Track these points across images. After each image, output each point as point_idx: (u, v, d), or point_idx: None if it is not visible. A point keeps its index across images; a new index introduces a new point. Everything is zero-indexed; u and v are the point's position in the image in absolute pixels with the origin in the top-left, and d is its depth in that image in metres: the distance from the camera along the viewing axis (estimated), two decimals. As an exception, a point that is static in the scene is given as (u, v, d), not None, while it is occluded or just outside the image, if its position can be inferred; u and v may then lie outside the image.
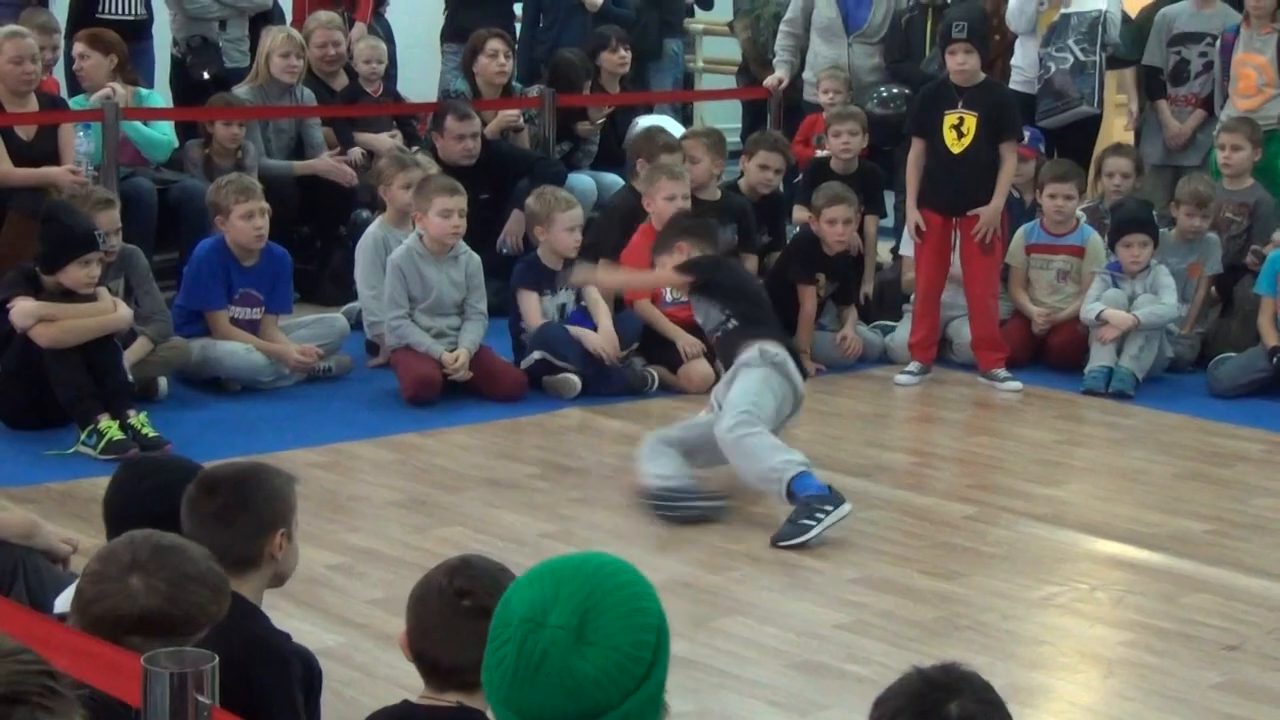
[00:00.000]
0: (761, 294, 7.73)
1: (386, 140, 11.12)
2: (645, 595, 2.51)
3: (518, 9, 12.94)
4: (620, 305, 9.20)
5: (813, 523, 6.63)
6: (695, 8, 14.07)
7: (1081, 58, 10.62)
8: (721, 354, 7.47)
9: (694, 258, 7.46)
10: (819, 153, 10.99)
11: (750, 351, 7.13)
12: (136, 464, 4.77)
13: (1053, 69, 10.71)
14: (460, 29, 12.23)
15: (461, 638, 3.36)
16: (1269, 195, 10.00)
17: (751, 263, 9.68)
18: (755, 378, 7.08)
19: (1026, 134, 10.20)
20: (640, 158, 9.98)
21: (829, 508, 6.66)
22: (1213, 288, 9.80)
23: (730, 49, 13.93)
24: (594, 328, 8.92)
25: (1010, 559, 6.59)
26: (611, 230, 9.57)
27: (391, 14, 12.88)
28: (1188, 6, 11.01)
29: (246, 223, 8.73)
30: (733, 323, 7.30)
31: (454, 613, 3.41)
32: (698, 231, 7.77)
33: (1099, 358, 9.22)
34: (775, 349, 7.15)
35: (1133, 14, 11.21)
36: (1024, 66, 10.96)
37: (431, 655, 3.45)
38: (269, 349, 8.80)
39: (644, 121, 11.67)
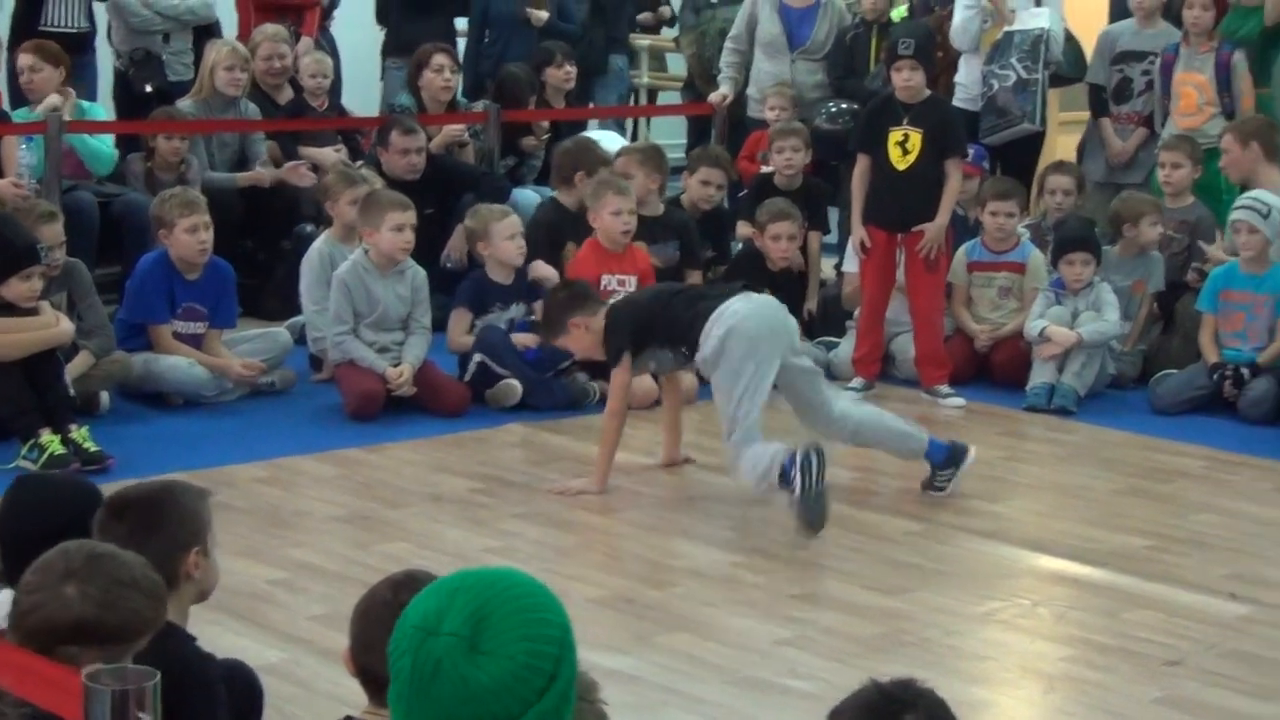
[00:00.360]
0: (661, 299, 7.64)
1: (331, 154, 11.11)
2: (545, 607, 2.50)
3: (460, 24, 12.93)
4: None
5: (944, 482, 7.51)
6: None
7: (1024, 75, 10.68)
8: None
9: (608, 351, 7.56)
10: (763, 169, 11.01)
11: (704, 351, 7.21)
12: (28, 482, 4.72)
13: (995, 86, 10.77)
14: (403, 43, 12.24)
15: None
16: (1210, 213, 10.06)
17: (696, 278, 9.69)
18: (722, 375, 7.21)
19: (971, 151, 10.25)
20: (580, 170, 9.94)
21: (951, 469, 7.49)
22: (1154, 305, 9.86)
23: (676, 65, 13.96)
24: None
25: (953, 574, 6.61)
26: (538, 245, 9.54)
27: (336, 28, 12.86)
28: (1131, 25, 11.08)
29: (190, 236, 8.70)
30: (682, 349, 7.35)
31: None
32: (578, 300, 7.70)
33: (1041, 374, 9.26)
34: (716, 328, 7.21)
35: (1075, 32, 11.25)
36: (967, 84, 11.01)
37: (375, 670, 3.44)
38: (212, 363, 8.77)
39: (590, 137, 11.69)
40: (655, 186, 9.99)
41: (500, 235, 9.04)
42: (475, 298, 9.04)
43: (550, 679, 2.44)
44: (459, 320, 9.04)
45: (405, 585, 3.46)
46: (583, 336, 7.60)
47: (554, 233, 9.66)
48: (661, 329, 7.45)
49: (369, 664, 3.44)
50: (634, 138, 13.31)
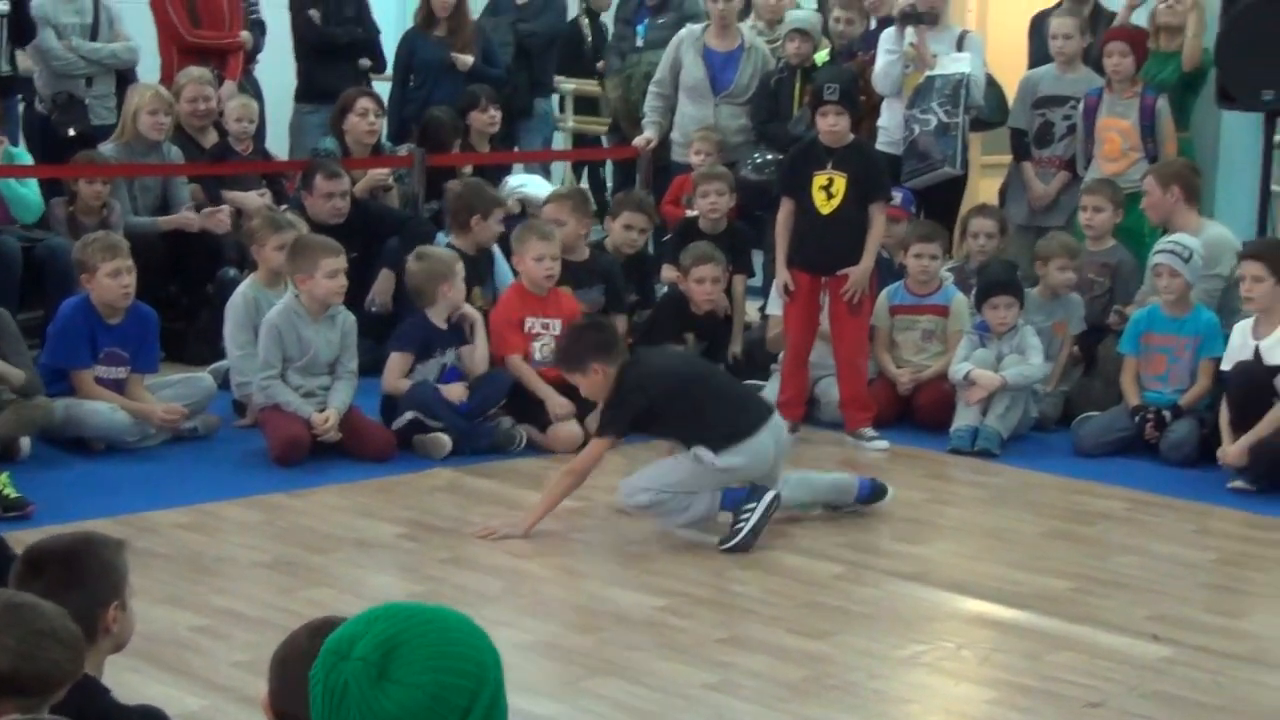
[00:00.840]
0: (690, 385, 7.60)
1: (255, 199, 11.08)
2: (465, 643, 2.49)
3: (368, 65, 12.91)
4: (490, 362, 9.19)
5: (742, 524, 7.30)
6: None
7: (945, 119, 10.74)
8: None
9: (607, 417, 7.52)
10: (688, 213, 11.04)
11: (707, 457, 7.42)
12: None
13: (917, 130, 10.83)
14: (315, 88, 12.24)
15: None
16: (1131, 256, 10.15)
17: (621, 323, 9.70)
18: (697, 474, 7.44)
19: (898, 195, 10.32)
20: (475, 214, 9.90)
21: (752, 504, 7.33)
22: (1075, 346, 9.92)
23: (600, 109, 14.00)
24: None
25: (877, 618, 6.63)
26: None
27: (260, 72, 12.84)
28: (1052, 70, 11.17)
29: (113, 281, 8.66)
30: (683, 439, 7.53)
31: None
32: (606, 345, 7.57)
33: (965, 417, 9.30)
34: (736, 456, 7.40)
35: (996, 77, 11.34)
36: (890, 128, 11.07)
37: (294, 716, 3.41)
38: (134, 408, 8.72)
39: (513, 181, 11.71)
40: (584, 232, 10.01)
41: (461, 277, 9.03)
42: (418, 341, 9.00)
43: (463, 714, 2.43)
44: (400, 363, 8.98)
45: (323, 631, 3.43)
46: (598, 382, 7.53)
47: None
48: (676, 420, 7.48)
49: (288, 710, 3.41)
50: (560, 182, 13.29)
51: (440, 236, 10.59)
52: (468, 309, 9.19)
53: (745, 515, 7.34)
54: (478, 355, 9.05)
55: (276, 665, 3.48)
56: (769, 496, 7.36)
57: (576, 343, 7.69)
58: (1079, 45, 11.03)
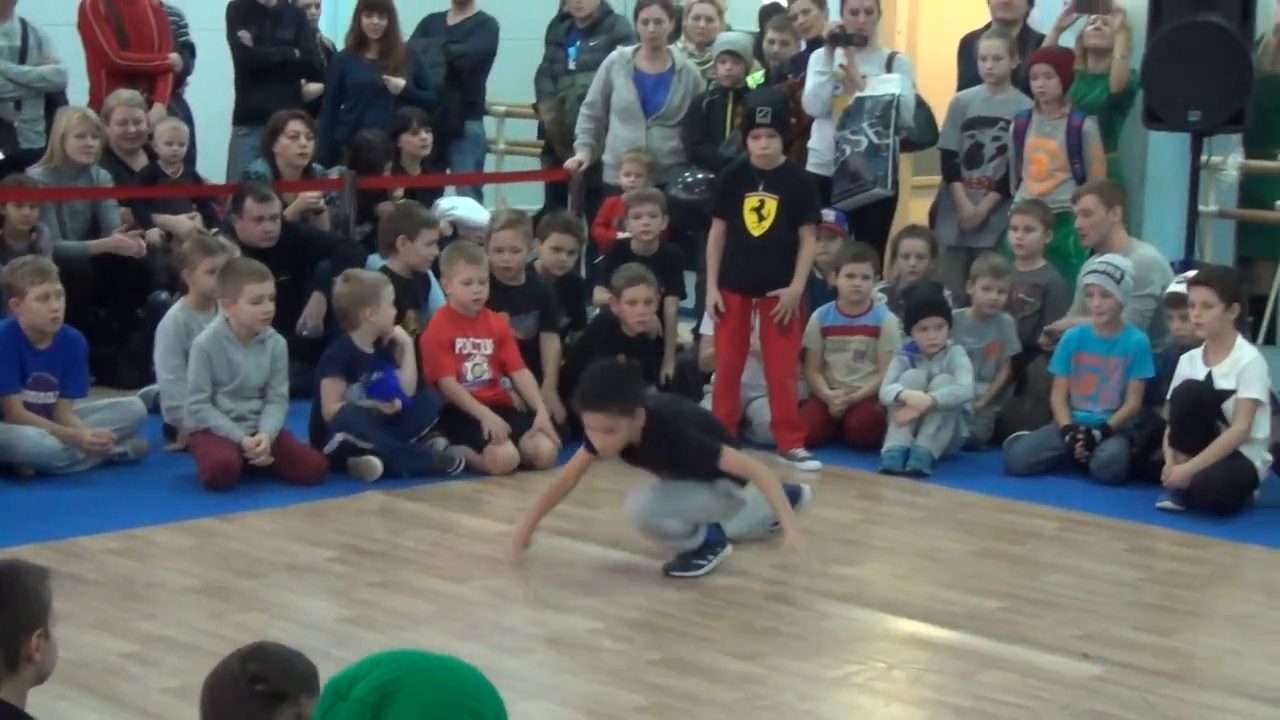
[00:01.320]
0: (707, 421, 7.74)
1: (186, 222, 11.04)
2: (465, 693, 2.50)
3: (314, 88, 12.87)
4: (421, 383, 9.16)
5: (704, 562, 7.34)
6: None
7: (875, 140, 10.79)
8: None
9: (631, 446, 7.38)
10: (619, 234, 11.05)
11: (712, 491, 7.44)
12: None
13: (848, 152, 10.86)
14: (252, 110, 12.21)
15: None
16: (1060, 276, 10.20)
17: (554, 344, 9.70)
18: (700, 504, 7.43)
19: (832, 214, 10.35)
20: (400, 235, 9.88)
21: (719, 549, 7.39)
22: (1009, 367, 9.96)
23: (533, 130, 13.98)
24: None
25: (809, 639, 6.64)
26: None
27: (190, 95, 12.80)
28: (981, 91, 11.23)
29: (42, 305, 8.62)
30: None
31: (247, 698, 3.36)
32: (633, 390, 7.34)
33: (896, 437, 9.33)
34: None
35: (926, 98, 11.40)
36: (820, 149, 11.09)
37: None
38: (63, 433, 8.67)
39: (444, 204, 11.69)
40: (526, 258, 9.98)
41: (388, 300, 9.00)
42: (344, 365, 8.97)
43: None
44: (332, 389, 8.94)
45: (253, 656, 3.43)
46: (636, 427, 7.26)
47: None
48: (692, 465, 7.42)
49: None
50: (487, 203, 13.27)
51: (374, 259, 10.58)
52: (397, 332, 9.16)
53: (710, 556, 7.37)
54: (405, 379, 9.03)
55: (206, 691, 3.47)
56: (728, 549, 7.44)
57: (628, 383, 7.39)
58: (1008, 66, 11.09)
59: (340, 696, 2.45)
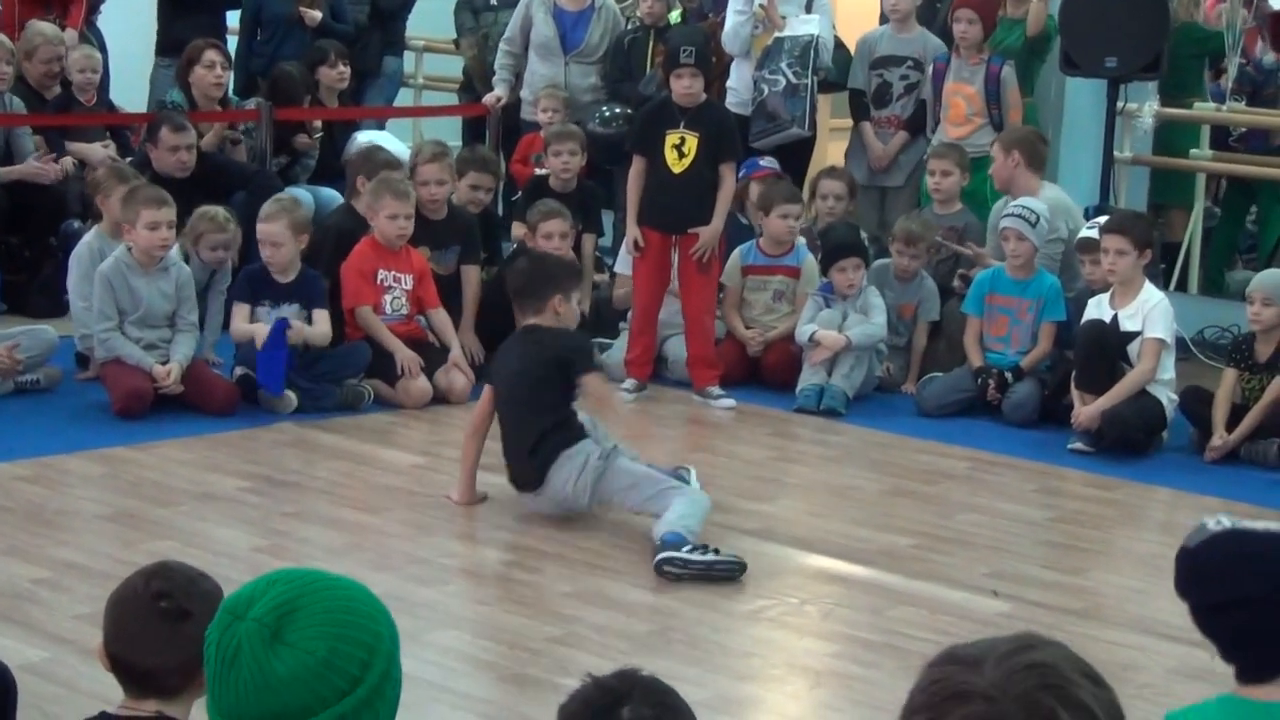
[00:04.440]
0: None
1: (100, 150, 10.95)
2: (363, 613, 2.50)
3: (232, 21, 12.78)
4: (341, 338, 9.09)
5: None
6: None
7: (794, 80, 10.80)
8: None
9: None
10: (538, 171, 11.03)
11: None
12: None
13: (766, 91, 10.87)
14: (174, 41, 12.08)
15: (158, 640, 3.31)
16: (977, 220, 10.25)
17: (474, 277, 9.67)
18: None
19: (765, 161, 10.35)
20: (360, 176, 9.87)
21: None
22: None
23: (452, 66, 13.91)
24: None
25: (722, 573, 6.67)
26: (325, 248, 9.45)
27: (104, 24, 12.66)
28: (887, 31, 11.28)
29: (-49, 232, 8.54)
30: None
31: (150, 615, 3.35)
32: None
33: (810, 376, 9.37)
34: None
35: (845, 39, 11.41)
36: (739, 88, 11.10)
37: (127, 660, 3.39)
38: (-28, 354, 8.60)
39: (362, 137, 11.62)
40: (450, 191, 9.93)
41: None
42: (247, 291, 8.93)
43: (354, 683, 2.44)
44: (237, 312, 8.92)
45: (157, 575, 3.42)
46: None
47: (344, 238, 9.48)
48: None
49: (121, 653, 3.39)
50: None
51: (299, 191, 10.49)
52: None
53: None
54: (317, 331, 8.96)
55: (110, 609, 3.46)
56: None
57: (540, 278, 7.45)
58: (912, 4, 11.13)
59: (238, 616, 2.44)
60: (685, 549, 6.55)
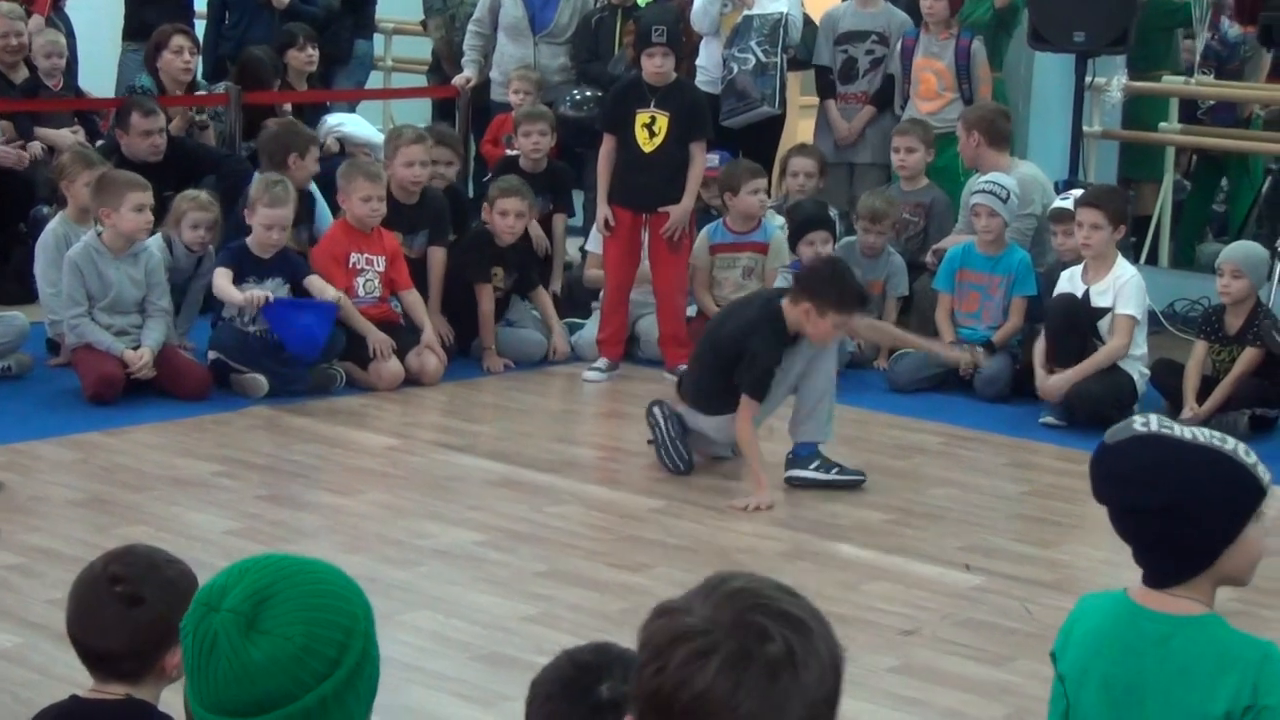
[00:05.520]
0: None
1: (68, 136, 10.91)
2: (337, 595, 2.49)
3: (200, 4, 12.74)
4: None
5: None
6: None
7: (763, 59, 10.79)
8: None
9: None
10: (508, 152, 11.01)
11: None
12: None
13: (735, 70, 10.86)
14: (142, 26, 12.04)
15: (112, 624, 3.30)
16: (944, 195, 10.26)
17: (439, 257, 9.64)
18: None
19: (715, 156, 10.33)
20: (292, 152, 9.70)
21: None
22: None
23: (421, 48, 13.89)
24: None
25: (695, 550, 6.68)
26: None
27: (72, 9, 12.61)
28: (851, 6, 11.29)
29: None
30: None
31: (105, 598, 3.34)
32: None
33: (782, 354, 9.36)
34: None
35: (814, 17, 11.41)
36: (708, 67, 11.10)
37: (84, 642, 3.39)
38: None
39: (331, 120, 11.60)
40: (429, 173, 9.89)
41: (262, 220, 8.90)
42: (233, 263, 8.88)
43: (333, 665, 2.44)
44: (221, 275, 8.85)
45: (117, 559, 3.41)
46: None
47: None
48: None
49: (78, 635, 3.39)
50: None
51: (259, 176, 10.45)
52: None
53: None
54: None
55: (72, 591, 3.46)
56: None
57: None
58: None
59: (212, 607, 2.44)
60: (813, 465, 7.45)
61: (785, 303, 7.44)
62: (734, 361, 7.46)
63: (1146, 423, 3.21)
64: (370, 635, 2.52)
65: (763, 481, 7.32)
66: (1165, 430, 3.20)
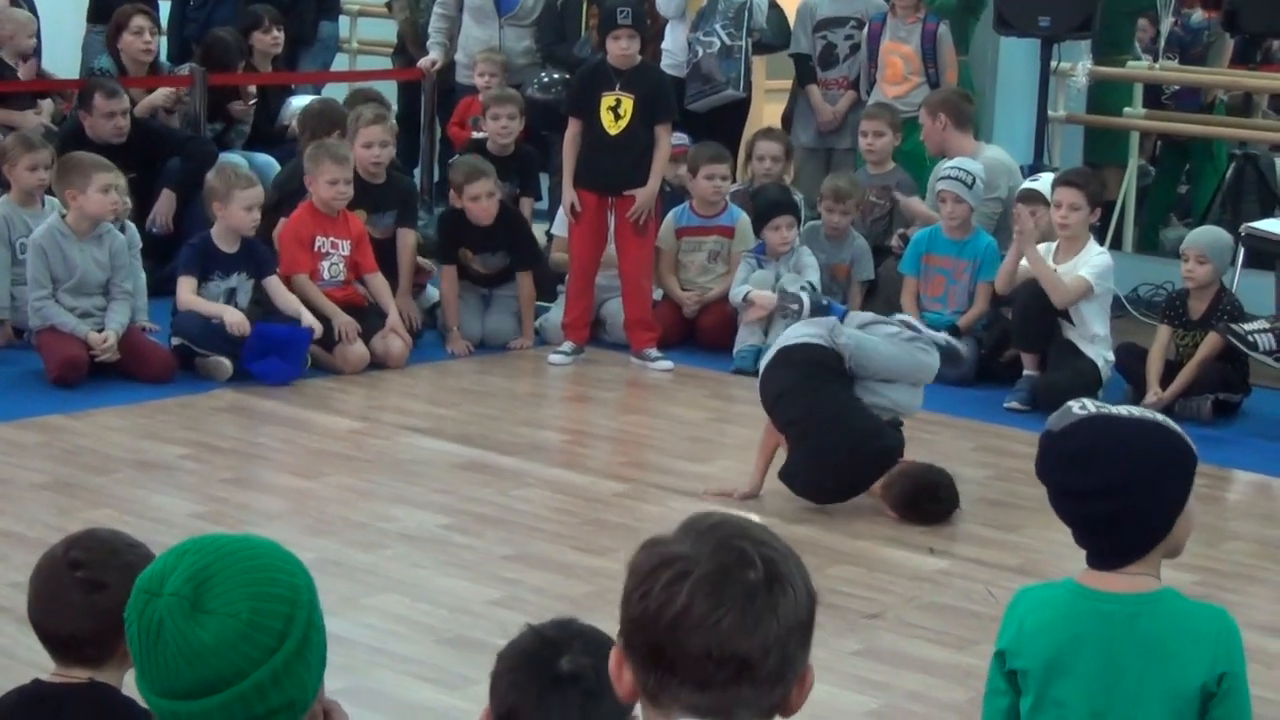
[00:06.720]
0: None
1: (32, 118, 10.86)
2: (277, 568, 2.49)
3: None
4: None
5: None
6: None
7: (728, 42, 10.79)
8: None
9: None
10: (475, 134, 11.00)
11: None
12: None
13: (700, 53, 10.86)
14: (106, 7, 11.98)
15: (71, 609, 3.28)
16: (910, 178, 10.27)
17: (409, 240, 9.62)
18: None
19: (686, 136, 10.34)
20: (337, 129, 9.79)
21: None
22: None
23: (386, 30, 13.86)
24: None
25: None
26: (280, 206, 9.43)
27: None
28: (827, -8, 11.30)
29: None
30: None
31: (65, 583, 3.32)
32: None
33: (747, 337, 9.38)
34: None
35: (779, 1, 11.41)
36: (674, 50, 11.09)
37: (46, 627, 3.38)
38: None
39: (296, 103, 11.55)
40: (392, 153, 9.88)
41: (239, 203, 8.84)
42: (197, 263, 8.85)
43: (280, 638, 2.43)
44: (184, 285, 8.83)
45: (78, 543, 3.39)
46: None
47: (296, 198, 9.44)
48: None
49: (38, 619, 3.38)
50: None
51: (224, 158, 10.40)
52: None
53: None
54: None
55: (33, 574, 3.44)
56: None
57: None
58: None
59: (154, 593, 2.43)
60: None
61: None
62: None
63: (1084, 406, 3.26)
64: (314, 605, 2.51)
65: (757, 482, 7.27)
66: (1104, 411, 3.25)
